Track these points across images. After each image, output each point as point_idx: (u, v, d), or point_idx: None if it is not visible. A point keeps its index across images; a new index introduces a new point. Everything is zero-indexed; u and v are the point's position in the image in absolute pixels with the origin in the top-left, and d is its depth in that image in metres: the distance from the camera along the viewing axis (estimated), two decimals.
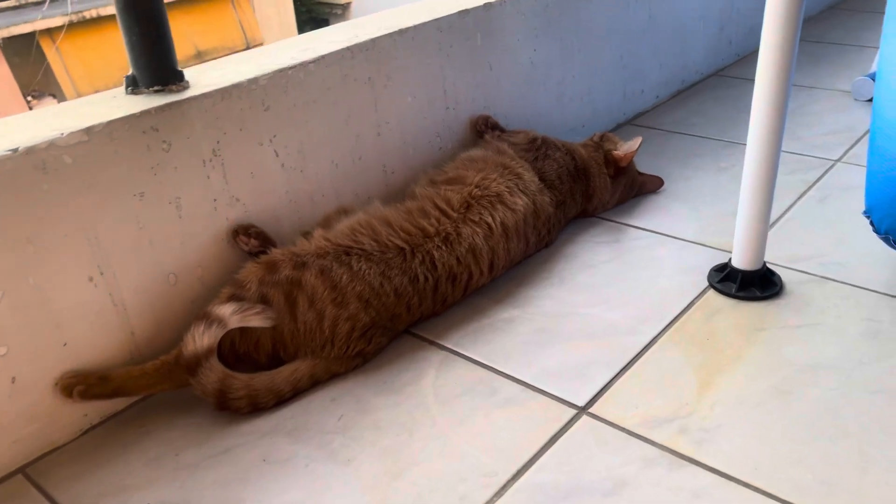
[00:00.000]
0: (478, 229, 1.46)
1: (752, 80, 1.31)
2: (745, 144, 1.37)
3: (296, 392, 1.27)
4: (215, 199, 1.34)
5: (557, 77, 2.02)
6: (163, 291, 1.30)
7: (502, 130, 1.81)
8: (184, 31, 6.81)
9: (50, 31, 6.43)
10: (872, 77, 2.30)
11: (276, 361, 1.29)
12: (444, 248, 1.41)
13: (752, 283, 1.46)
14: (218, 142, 1.32)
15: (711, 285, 1.49)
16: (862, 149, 2.00)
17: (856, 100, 2.34)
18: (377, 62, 1.55)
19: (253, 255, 1.39)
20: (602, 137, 1.83)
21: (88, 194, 1.17)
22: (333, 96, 1.49)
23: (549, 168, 1.68)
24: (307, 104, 1.44)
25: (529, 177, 1.60)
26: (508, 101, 1.89)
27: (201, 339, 1.21)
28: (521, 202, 1.54)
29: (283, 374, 1.27)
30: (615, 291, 1.50)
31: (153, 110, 1.22)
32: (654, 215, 1.79)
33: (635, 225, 1.75)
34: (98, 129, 1.16)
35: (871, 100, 2.30)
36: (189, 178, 1.29)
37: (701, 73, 2.61)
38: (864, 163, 1.36)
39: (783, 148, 1.38)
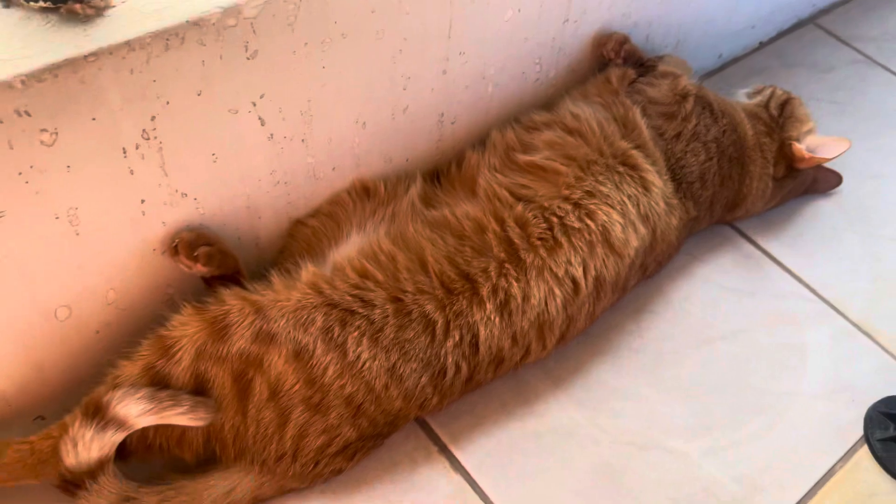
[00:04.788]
0: (557, 289, 0.93)
1: None
2: None
3: None
4: (143, 200, 0.80)
5: None
6: (47, 331, 0.82)
7: (641, 64, 1.15)
8: None
9: None
10: None
11: (207, 461, 0.87)
12: (497, 320, 0.90)
13: None
14: (153, 118, 0.74)
15: (868, 441, 1.00)
16: None
17: None
18: None
19: (206, 281, 0.89)
20: (783, 106, 1.18)
21: None
22: (378, 23, 0.86)
23: (694, 159, 1.08)
24: (327, 42, 0.82)
25: (660, 185, 1.02)
26: (658, 3, 1.20)
27: (88, 448, 0.78)
28: (635, 242, 0.98)
29: (213, 493, 0.85)
30: (723, 412, 1.01)
31: (21, 80, 0.64)
32: (813, 247, 1.21)
33: (785, 263, 1.18)
34: None
35: None
36: (94, 179, 0.74)
37: None
38: None
39: None
